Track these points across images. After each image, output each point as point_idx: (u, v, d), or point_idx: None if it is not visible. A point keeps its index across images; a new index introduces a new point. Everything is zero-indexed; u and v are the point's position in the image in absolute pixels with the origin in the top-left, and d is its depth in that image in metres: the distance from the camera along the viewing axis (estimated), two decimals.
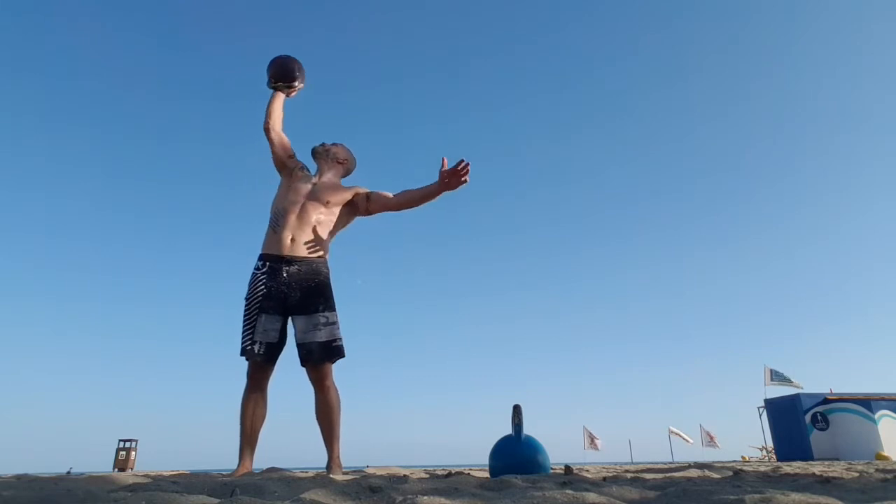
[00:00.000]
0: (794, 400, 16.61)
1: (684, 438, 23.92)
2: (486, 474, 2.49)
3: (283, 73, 3.00)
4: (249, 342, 2.56)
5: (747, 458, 20.45)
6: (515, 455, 2.47)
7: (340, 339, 2.61)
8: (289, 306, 2.61)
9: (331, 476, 2.10)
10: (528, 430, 2.54)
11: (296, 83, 3.03)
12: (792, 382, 17.61)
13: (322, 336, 2.57)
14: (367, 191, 2.88)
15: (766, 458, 19.01)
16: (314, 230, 2.71)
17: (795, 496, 1.13)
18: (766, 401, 17.84)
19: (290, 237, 2.66)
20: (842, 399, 16.17)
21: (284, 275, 2.61)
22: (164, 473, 2.71)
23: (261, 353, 2.55)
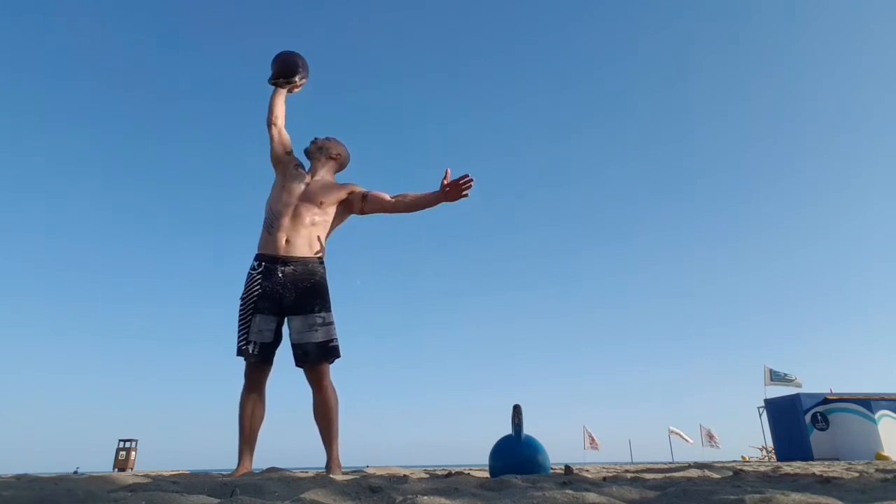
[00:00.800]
0: (794, 400, 16.61)
1: (684, 438, 23.92)
2: (486, 474, 2.49)
3: (284, 69, 2.99)
4: (244, 342, 2.56)
5: (747, 458, 20.45)
6: (515, 455, 2.47)
7: (336, 339, 2.60)
8: (284, 307, 2.60)
9: (331, 476, 2.10)
10: (528, 430, 2.54)
11: (296, 78, 3.02)
12: (792, 382, 17.61)
13: (318, 336, 2.55)
14: (364, 190, 2.85)
15: (766, 458, 19.01)
16: (309, 231, 2.70)
17: (795, 496, 1.13)
18: (766, 401, 17.84)
19: (284, 238, 2.65)
20: (842, 399, 16.17)
21: (280, 275, 2.60)
22: (164, 473, 2.71)
23: (255, 353, 2.54)
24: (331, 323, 2.61)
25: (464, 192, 2.64)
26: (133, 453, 22.00)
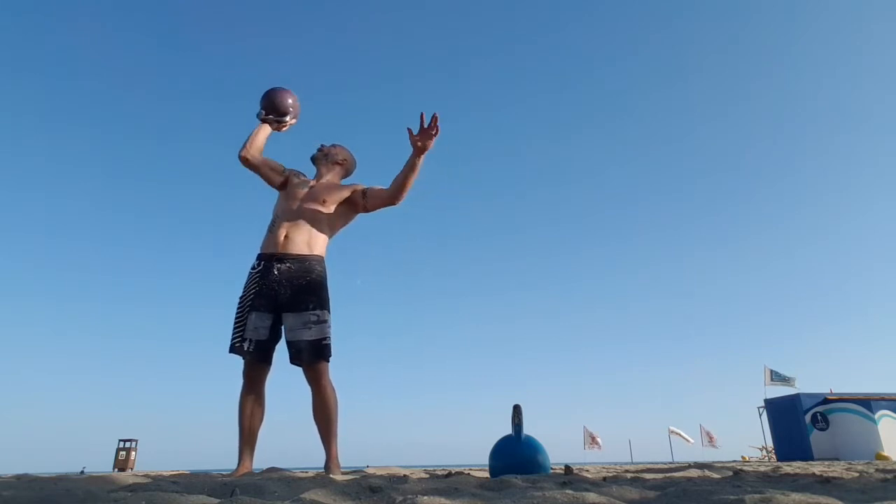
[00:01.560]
0: (794, 400, 16.62)
1: (684, 438, 23.92)
2: (486, 474, 2.49)
3: (274, 106, 2.89)
4: (239, 339, 2.55)
5: (747, 458, 20.45)
6: (515, 455, 2.47)
7: (328, 338, 2.56)
8: (280, 304, 2.58)
9: (331, 476, 2.10)
10: (528, 430, 2.54)
11: (287, 118, 2.93)
12: (790, 382, 17.61)
13: (311, 334, 2.52)
14: (364, 187, 2.85)
15: (766, 458, 19.01)
16: (310, 229, 2.70)
17: (795, 496, 1.12)
18: (766, 401, 17.84)
19: (284, 235, 2.66)
20: (842, 399, 16.17)
21: (276, 272, 2.59)
22: (164, 473, 2.71)
23: (250, 350, 2.53)
24: (325, 321, 2.57)
25: (433, 133, 2.58)
26: (133, 453, 22.01)
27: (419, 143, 2.60)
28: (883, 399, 15.81)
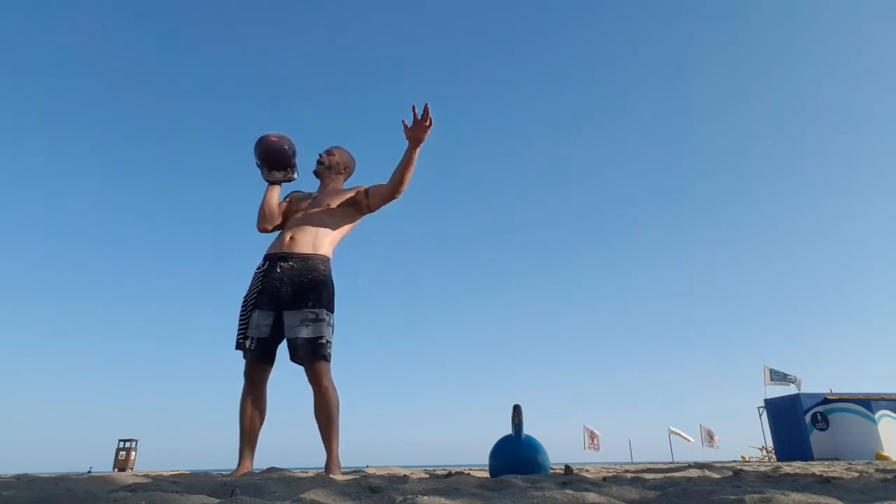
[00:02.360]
0: (794, 400, 16.62)
1: (685, 438, 23.91)
2: (486, 474, 2.49)
3: (277, 161, 2.81)
4: (242, 337, 2.57)
5: (747, 458, 20.45)
6: (515, 455, 2.47)
7: (325, 337, 2.52)
8: (281, 301, 2.58)
9: (331, 476, 2.10)
10: (528, 430, 2.54)
11: (294, 173, 2.86)
12: (793, 381, 17.60)
13: (308, 332, 2.50)
14: (366, 187, 2.87)
15: (766, 458, 19.01)
16: (315, 231, 2.72)
17: (795, 496, 1.12)
18: (766, 401, 17.84)
19: (289, 236, 2.71)
20: (842, 399, 16.17)
21: (278, 270, 2.61)
22: (164, 473, 2.71)
23: (252, 348, 2.54)
24: (324, 320, 2.54)
25: (426, 125, 2.58)
26: (133, 453, 22.01)
27: (414, 135, 2.61)
28: (883, 399, 15.80)
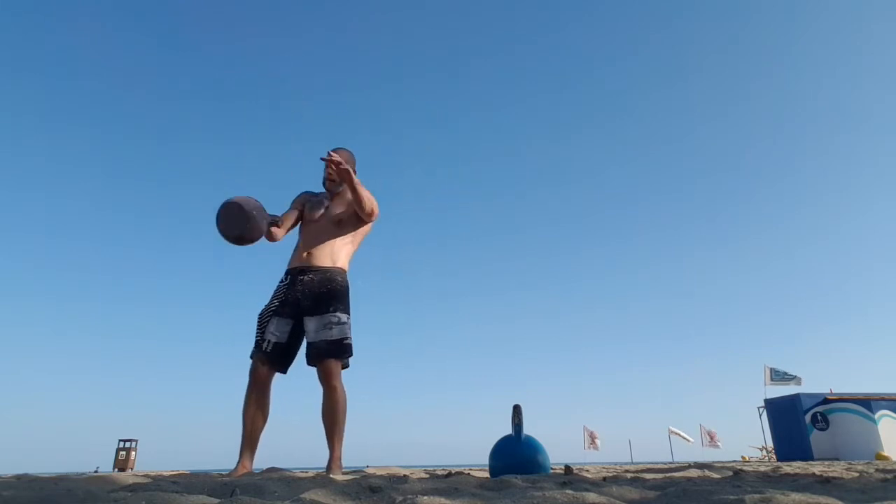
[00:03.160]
0: (794, 400, 16.61)
1: (684, 438, 23.91)
2: (486, 474, 2.50)
3: (252, 238, 2.60)
4: (260, 338, 2.64)
5: (747, 458, 20.45)
6: (515, 455, 2.47)
7: (349, 338, 2.66)
8: (301, 309, 2.67)
9: (331, 476, 2.11)
10: (528, 430, 2.54)
11: (265, 227, 2.64)
12: (792, 379, 17.60)
13: (333, 335, 2.61)
14: None
15: (766, 458, 19.01)
16: (332, 245, 2.80)
17: (795, 496, 1.12)
18: (766, 401, 17.84)
19: (306, 252, 2.78)
20: (842, 399, 16.16)
21: (299, 285, 2.70)
22: (164, 473, 2.71)
23: (268, 350, 2.60)
24: (345, 323, 2.67)
25: (339, 168, 2.59)
26: (133, 453, 22.03)
27: (336, 180, 2.83)
28: (883, 399, 15.80)
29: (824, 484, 1.86)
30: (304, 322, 2.66)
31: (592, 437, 24.79)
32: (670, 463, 12.97)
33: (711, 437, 22.77)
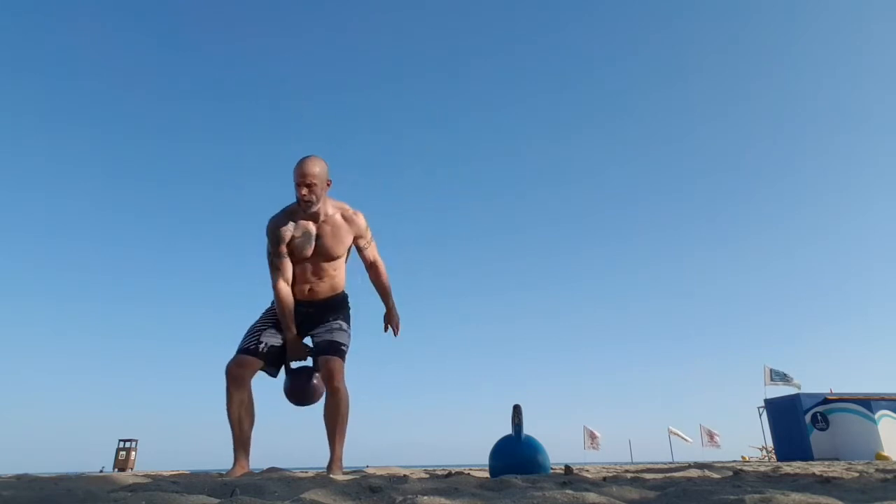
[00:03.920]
0: (794, 400, 16.62)
1: (683, 438, 23.91)
2: (486, 474, 2.50)
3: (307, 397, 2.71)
4: (255, 342, 2.60)
5: (747, 458, 20.46)
6: (515, 455, 2.47)
7: (347, 346, 2.70)
8: (305, 328, 2.72)
9: (331, 476, 2.11)
10: (528, 430, 2.54)
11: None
12: (791, 382, 17.61)
13: (335, 336, 2.66)
14: (366, 243, 2.80)
15: (766, 458, 19.02)
16: (332, 279, 2.75)
17: (795, 496, 1.12)
18: (766, 401, 17.84)
19: (308, 288, 2.70)
20: (842, 399, 16.17)
21: (300, 316, 2.69)
22: (164, 473, 2.71)
23: (264, 351, 2.59)
24: (346, 331, 2.73)
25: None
26: (133, 453, 22.05)
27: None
28: (883, 399, 15.81)
29: (824, 484, 1.86)
30: (311, 336, 2.74)
31: (592, 437, 24.80)
32: (670, 463, 12.97)
33: (711, 437, 22.78)
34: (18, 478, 2.31)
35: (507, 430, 2.57)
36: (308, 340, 2.75)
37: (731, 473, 2.67)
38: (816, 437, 15.67)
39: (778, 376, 17.86)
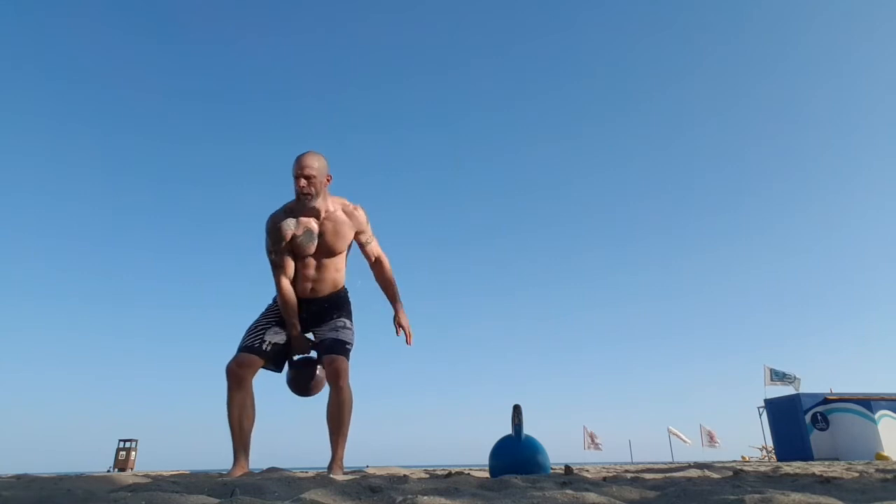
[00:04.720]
0: (794, 400, 16.62)
1: (682, 439, 23.91)
2: (486, 474, 2.50)
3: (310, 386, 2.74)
4: (259, 341, 2.60)
5: (747, 458, 20.46)
6: (515, 455, 2.47)
7: (352, 344, 2.71)
8: (307, 325, 2.73)
9: (331, 476, 2.11)
10: (528, 430, 2.54)
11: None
12: (792, 382, 17.61)
13: (339, 335, 2.67)
14: (367, 238, 2.79)
15: (766, 458, 19.02)
16: (333, 276, 2.74)
17: (795, 496, 1.13)
18: (766, 401, 17.84)
19: (310, 287, 2.69)
20: (842, 399, 16.17)
21: (304, 312, 2.70)
22: (164, 473, 2.71)
23: (268, 349, 2.59)
24: (350, 329, 2.73)
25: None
26: (133, 453, 22.07)
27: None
28: (883, 399, 15.80)
29: (824, 484, 1.86)
30: (313, 333, 2.75)
31: (592, 438, 24.80)
32: (670, 463, 12.97)
33: (711, 437, 22.78)
34: (18, 478, 2.31)
35: (507, 430, 2.57)
36: (317, 336, 2.75)
37: (731, 473, 2.67)
38: (816, 437, 15.67)
39: (778, 376, 17.87)
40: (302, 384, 2.70)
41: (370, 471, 2.96)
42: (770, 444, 18.13)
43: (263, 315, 2.73)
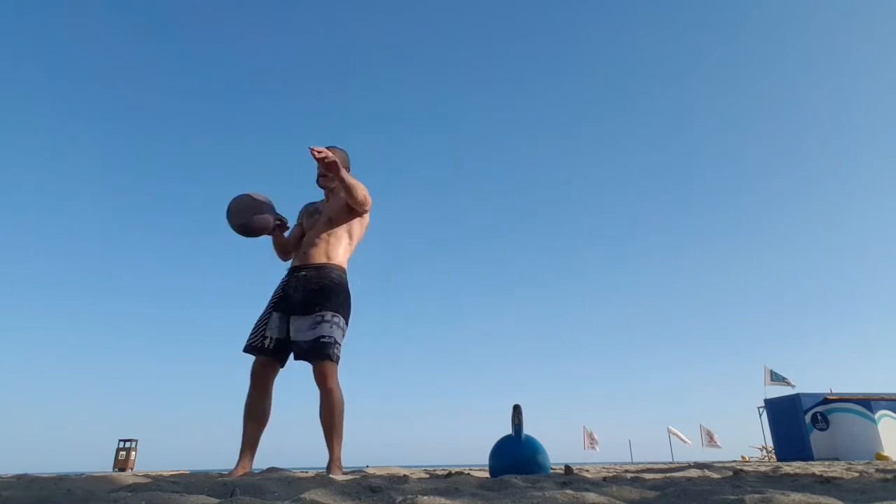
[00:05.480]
0: (794, 400, 16.62)
1: (682, 439, 23.90)
2: (486, 474, 2.50)
3: (256, 232, 2.79)
4: (260, 338, 2.62)
5: (747, 458, 20.45)
6: (515, 455, 2.47)
7: (333, 337, 2.56)
8: (292, 306, 2.66)
9: (331, 476, 2.11)
10: (528, 430, 2.54)
11: (273, 221, 2.82)
12: (788, 382, 17.63)
13: (313, 334, 2.55)
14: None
15: (766, 458, 19.02)
16: (326, 243, 2.80)
17: (795, 496, 1.13)
18: (766, 401, 17.85)
19: (303, 251, 2.80)
20: (842, 399, 16.17)
21: (293, 281, 2.72)
22: (164, 473, 2.71)
23: (271, 347, 2.61)
24: (329, 321, 2.58)
25: (324, 164, 2.63)
26: (133, 453, 22.02)
27: (323, 174, 2.88)
28: (883, 399, 15.80)
29: (824, 484, 1.86)
30: (291, 320, 2.63)
31: (592, 438, 24.79)
32: (670, 463, 12.97)
33: (711, 437, 22.77)
34: (18, 478, 2.31)
35: (507, 430, 2.57)
36: (294, 332, 2.61)
37: (731, 473, 2.67)
38: (816, 437, 15.67)
39: (777, 377, 17.88)
40: (242, 209, 2.70)
41: (370, 471, 2.96)
42: (770, 444, 18.12)
43: (273, 296, 2.77)
